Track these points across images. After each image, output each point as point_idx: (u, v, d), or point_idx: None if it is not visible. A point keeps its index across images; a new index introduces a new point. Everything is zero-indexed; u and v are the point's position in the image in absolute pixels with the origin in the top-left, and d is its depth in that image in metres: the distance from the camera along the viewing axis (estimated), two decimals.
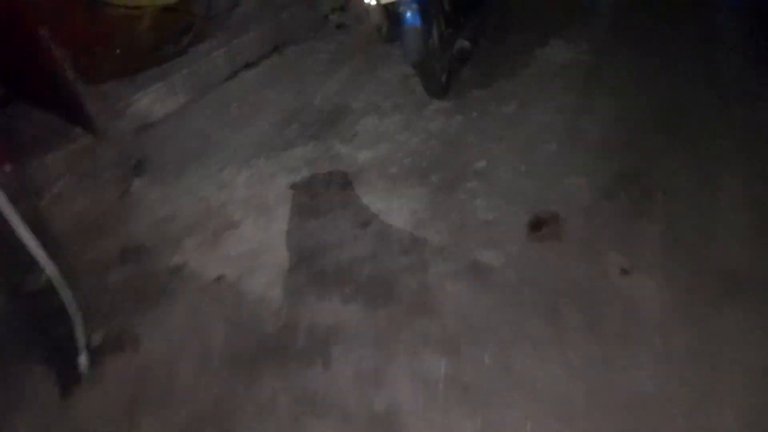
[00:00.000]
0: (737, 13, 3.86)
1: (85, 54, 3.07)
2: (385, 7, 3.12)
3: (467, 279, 2.32)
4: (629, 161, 2.73)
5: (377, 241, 2.55)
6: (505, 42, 3.91)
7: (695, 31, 3.69)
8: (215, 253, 2.63)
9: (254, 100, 3.77)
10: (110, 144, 2.91)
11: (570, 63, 3.64)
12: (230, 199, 2.96)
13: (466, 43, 3.47)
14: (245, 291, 2.45)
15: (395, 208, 2.74)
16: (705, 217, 2.36)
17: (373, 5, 4.03)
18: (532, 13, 4.43)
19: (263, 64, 4.15)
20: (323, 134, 3.41)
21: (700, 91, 3.14)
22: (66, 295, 1.93)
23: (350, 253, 2.51)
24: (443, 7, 3.09)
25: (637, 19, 3.98)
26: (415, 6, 2.99)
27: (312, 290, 2.37)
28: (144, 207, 2.92)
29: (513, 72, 3.68)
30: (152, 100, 3.45)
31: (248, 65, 4.09)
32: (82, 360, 2.06)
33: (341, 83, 3.95)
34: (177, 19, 3.78)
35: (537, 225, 2.53)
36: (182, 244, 2.69)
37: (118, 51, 3.32)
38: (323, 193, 2.91)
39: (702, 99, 3.07)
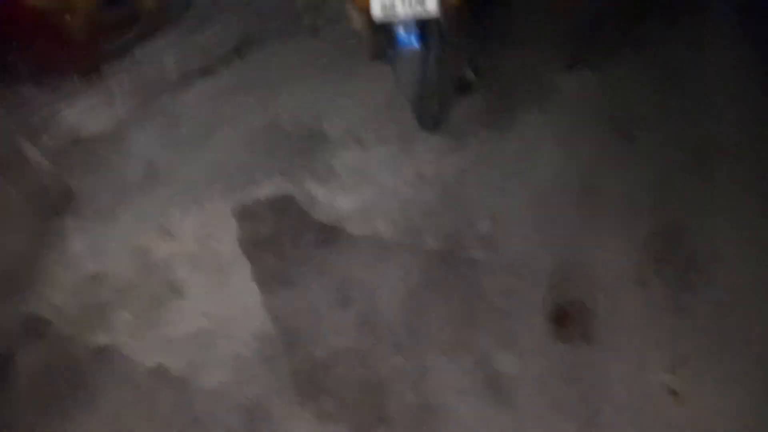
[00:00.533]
0: None
1: None
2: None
3: (477, 392, 1.85)
4: (662, 218, 2.31)
5: (362, 329, 2.04)
6: (501, 62, 3.41)
7: (722, 51, 3.27)
8: (153, 331, 2.05)
9: (210, 117, 3.15)
10: (23, 171, 2.26)
11: (576, 91, 3.18)
12: (175, 253, 2.36)
13: (470, 74, 2.96)
14: (191, 391, 1.89)
15: (384, 280, 2.23)
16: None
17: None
18: (527, 25, 3.92)
19: (222, 70, 3.51)
20: (293, 168, 2.84)
21: (735, 124, 2.72)
22: None
23: (328, 344, 1.99)
24: (440, 25, 2.56)
25: (651, 35, 3.53)
26: (414, 26, 2.45)
27: (278, 399, 1.84)
28: (64, 260, 2.30)
29: (512, 100, 3.19)
30: (82, 112, 2.80)
31: (204, 71, 3.45)
32: None
33: (315, 101, 3.36)
34: (118, 11, 3.11)
35: (560, 317, 2.08)
36: (111, 315, 2.10)
37: (38, 48, 2.64)
38: (293, 252, 2.35)
39: (738, 134, 2.66)
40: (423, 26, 2.48)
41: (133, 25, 3.17)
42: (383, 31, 2.67)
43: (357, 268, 2.28)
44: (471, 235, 2.41)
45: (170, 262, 2.32)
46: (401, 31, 2.48)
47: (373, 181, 2.74)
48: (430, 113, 2.88)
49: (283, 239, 2.42)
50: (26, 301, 2.13)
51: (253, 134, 3.06)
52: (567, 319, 2.06)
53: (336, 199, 2.63)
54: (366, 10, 2.46)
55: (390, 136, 3.04)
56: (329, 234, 2.44)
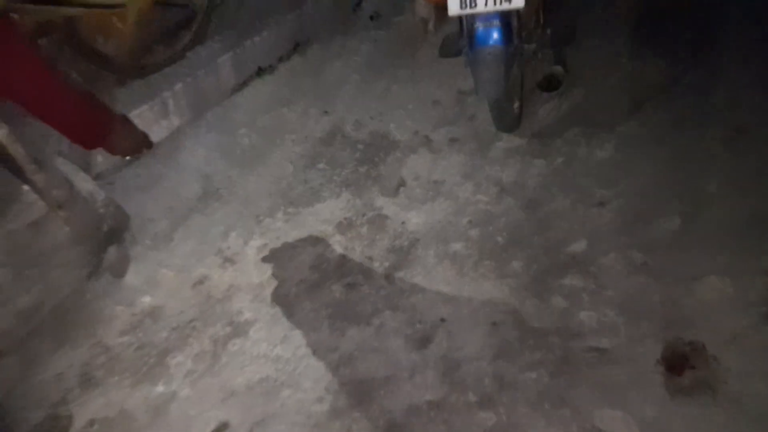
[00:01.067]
0: None
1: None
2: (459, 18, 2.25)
3: None
4: None
5: (444, 377, 1.78)
6: (585, 50, 3.02)
7: None
8: (213, 380, 1.86)
9: (269, 122, 2.94)
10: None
11: (671, 83, 2.77)
12: (236, 284, 2.17)
13: (558, 69, 2.61)
14: None
15: (465, 315, 1.96)
16: None
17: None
18: (611, 10, 3.48)
19: (280, 69, 3.28)
20: (359, 180, 2.59)
21: None
22: None
23: (405, 396, 1.75)
24: (520, 15, 2.23)
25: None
26: (497, 22, 2.13)
27: None
28: (119, 294, 2.15)
29: (600, 95, 2.82)
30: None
31: (261, 71, 3.23)
32: None
33: (379, 100, 3.10)
34: (171, 13, 2.92)
35: (675, 364, 1.75)
36: (169, 360, 1.92)
37: (84, 53, 2.49)
38: (362, 283, 2.11)
39: None
40: (505, 20, 2.15)
41: (188, 28, 2.96)
42: (458, 26, 2.37)
43: (433, 300, 2.02)
44: (563, 257, 2.10)
45: (231, 294, 2.13)
46: (480, 27, 2.16)
47: (446, 192, 2.45)
48: (510, 114, 2.55)
49: (350, 266, 2.19)
50: (80, 344, 1.99)
51: (315, 142, 2.83)
52: (684, 366, 1.74)
53: (407, 216, 2.37)
54: (439, 3, 2.16)
55: (464, 138, 2.75)
56: (401, 258, 2.19)
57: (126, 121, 1.60)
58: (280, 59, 3.33)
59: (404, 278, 2.11)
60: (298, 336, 1.95)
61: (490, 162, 2.60)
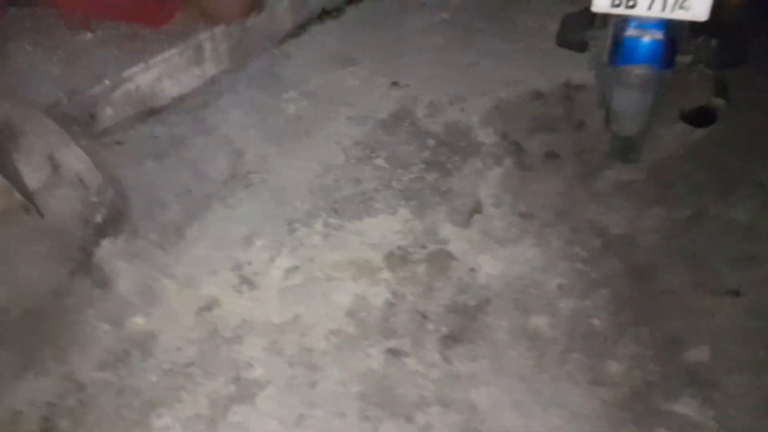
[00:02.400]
0: None
1: None
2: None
3: None
4: None
5: None
6: (750, 73, 2.30)
7: None
8: None
9: (323, 86, 2.37)
10: (60, 171, 1.63)
11: None
12: (251, 320, 1.71)
13: (719, 102, 1.94)
14: None
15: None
16: None
17: None
18: None
19: (348, 14, 2.66)
20: (424, 193, 2.05)
21: None
22: None
23: None
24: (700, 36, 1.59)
25: None
26: (660, 34, 1.49)
27: None
28: (107, 308, 1.70)
29: (754, 135, 2.15)
30: (160, 75, 2.09)
31: (325, 13, 2.61)
32: None
33: (463, 78, 2.48)
34: None
35: None
36: (152, 419, 1.50)
37: None
38: (410, 353, 1.63)
39: None
40: (670, 33, 1.50)
41: None
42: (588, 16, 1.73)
43: (500, 402, 1.53)
44: (678, 370, 1.59)
45: (243, 334, 1.67)
46: (632, 35, 1.52)
47: (535, 233, 1.91)
48: (635, 147, 1.94)
49: (397, 322, 1.69)
50: (48, 370, 1.58)
51: (377, 125, 2.26)
52: None
53: (479, 260, 1.84)
54: None
55: (565, 157, 2.15)
56: (465, 324, 1.69)
57: None
58: (350, 1, 2.69)
59: (465, 357, 1.61)
60: (318, 418, 1.50)
61: (595, 198, 2.02)
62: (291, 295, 1.76)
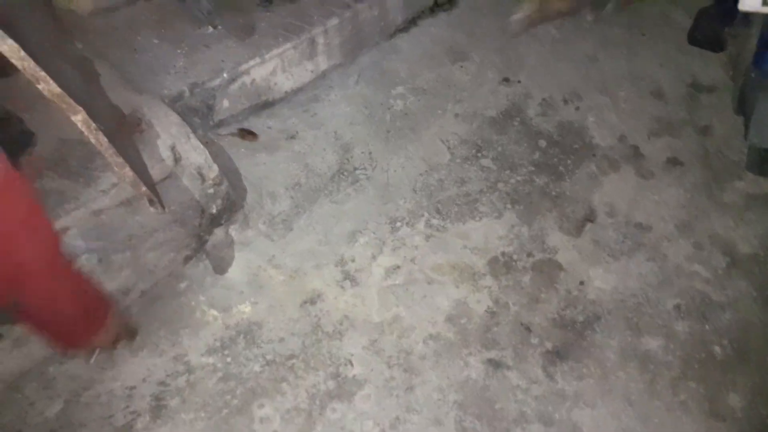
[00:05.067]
0: None
1: None
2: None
3: None
4: None
5: None
6: None
7: None
8: None
9: (432, 82, 2.33)
10: (175, 186, 1.71)
11: None
12: (353, 317, 1.72)
13: None
14: None
15: None
16: None
17: None
18: None
19: (461, 5, 2.60)
20: (532, 197, 1.96)
21: None
22: None
23: None
24: None
25: None
26: None
27: None
28: (216, 294, 1.77)
29: None
30: (274, 67, 2.14)
31: (437, 5, 2.57)
32: None
33: (579, 74, 2.35)
34: None
35: None
36: (253, 407, 1.56)
37: None
38: (511, 365, 1.58)
39: None
40: None
41: None
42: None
43: (605, 426, 1.44)
44: None
45: (344, 330, 1.68)
46: None
47: (651, 246, 1.78)
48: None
49: (499, 333, 1.64)
50: (162, 351, 1.67)
51: (485, 123, 2.19)
52: None
53: (589, 273, 1.75)
54: None
55: (689, 164, 1.99)
56: (571, 340, 1.60)
57: (115, 308, 1.14)
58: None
59: (570, 375, 1.54)
60: (414, 423, 1.49)
61: (722, 211, 1.85)
62: (391, 295, 1.75)
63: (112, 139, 1.32)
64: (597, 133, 2.12)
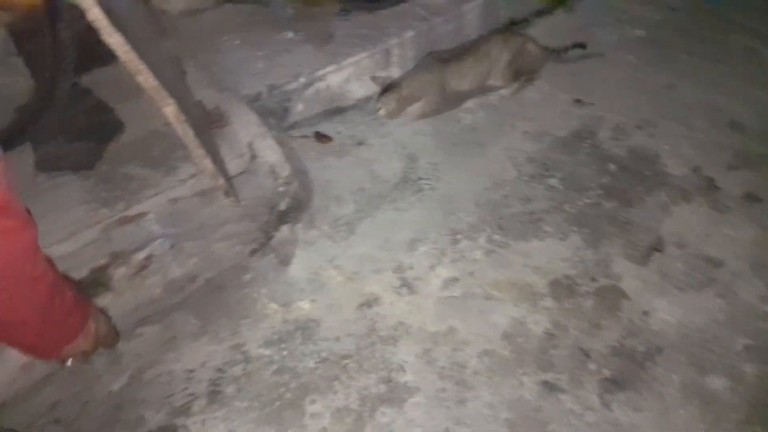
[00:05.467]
0: None
1: None
2: None
3: None
4: None
5: None
6: None
7: None
8: None
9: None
10: (249, 182, 1.78)
11: None
12: (407, 323, 1.73)
13: None
14: None
15: None
16: None
17: None
18: None
19: (537, 26, 2.60)
20: (599, 221, 1.94)
21: None
22: None
23: None
24: None
25: None
26: None
27: None
28: (277, 288, 1.82)
29: None
30: (349, 74, 2.19)
31: (513, 24, 2.57)
32: None
33: (655, 102, 2.32)
34: None
35: None
36: (305, 403, 1.58)
37: None
38: (566, 389, 1.55)
39: None
40: None
41: None
42: None
43: None
44: None
45: (399, 336, 1.70)
46: None
47: (723, 283, 1.73)
48: None
49: (556, 356, 1.62)
50: (222, 339, 1.73)
51: (554, 143, 2.18)
52: None
53: (654, 303, 1.71)
54: None
55: (765, 202, 1.91)
56: (629, 371, 1.57)
57: (95, 314, 1.01)
58: (540, 13, 2.62)
59: (627, 406, 1.50)
60: None
61: None
62: (448, 307, 1.76)
63: (196, 132, 1.39)
64: (670, 162, 2.07)
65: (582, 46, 2.31)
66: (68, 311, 0.77)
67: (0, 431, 1.16)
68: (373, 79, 2.08)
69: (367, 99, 2.29)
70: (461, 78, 2.16)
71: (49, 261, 0.74)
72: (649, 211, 1.93)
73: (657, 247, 1.83)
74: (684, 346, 1.60)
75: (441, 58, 2.14)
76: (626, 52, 2.51)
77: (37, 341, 0.77)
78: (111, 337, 0.90)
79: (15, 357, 0.89)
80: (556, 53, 2.30)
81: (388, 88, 2.05)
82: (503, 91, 2.23)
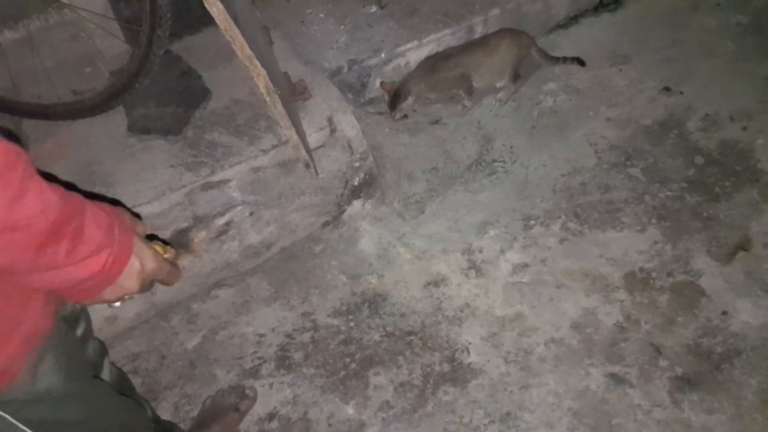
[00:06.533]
0: None
1: None
2: None
3: None
4: None
5: None
6: None
7: None
8: None
9: (587, 82, 2.27)
10: (327, 155, 1.81)
11: None
12: (473, 306, 1.74)
13: None
14: None
15: None
16: None
17: None
18: None
19: (628, 6, 2.50)
20: (681, 214, 1.86)
21: None
22: None
23: None
24: None
25: None
26: None
27: None
28: (347, 261, 1.86)
29: None
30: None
31: (602, 5, 2.48)
32: None
33: (753, 93, 2.17)
34: None
35: None
36: (369, 374, 1.62)
37: None
38: (634, 384, 1.51)
39: None
40: None
41: None
42: None
43: None
44: None
45: (464, 317, 1.70)
46: None
47: None
48: None
49: (626, 349, 1.58)
50: (292, 306, 1.78)
51: (639, 132, 2.10)
52: None
53: (735, 304, 1.64)
54: None
55: None
56: (704, 370, 1.52)
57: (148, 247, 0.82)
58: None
59: (699, 406, 1.45)
60: (525, 422, 1.48)
61: None
62: (516, 292, 1.74)
63: (283, 103, 1.42)
64: (764, 158, 1.95)
65: (581, 63, 2.20)
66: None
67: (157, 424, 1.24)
68: (382, 84, 2.05)
69: None
70: (475, 71, 2.08)
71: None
72: (737, 208, 1.84)
73: (743, 245, 1.74)
74: (765, 351, 1.53)
75: (444, 55, 2.06)
76: (725, 38, 2.36)
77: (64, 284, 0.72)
78: (166, 273, 0.81)
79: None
80: (554, 61, 2.20)
81: (397, 94, 2.00)
82: (500, 95, 2.16)
